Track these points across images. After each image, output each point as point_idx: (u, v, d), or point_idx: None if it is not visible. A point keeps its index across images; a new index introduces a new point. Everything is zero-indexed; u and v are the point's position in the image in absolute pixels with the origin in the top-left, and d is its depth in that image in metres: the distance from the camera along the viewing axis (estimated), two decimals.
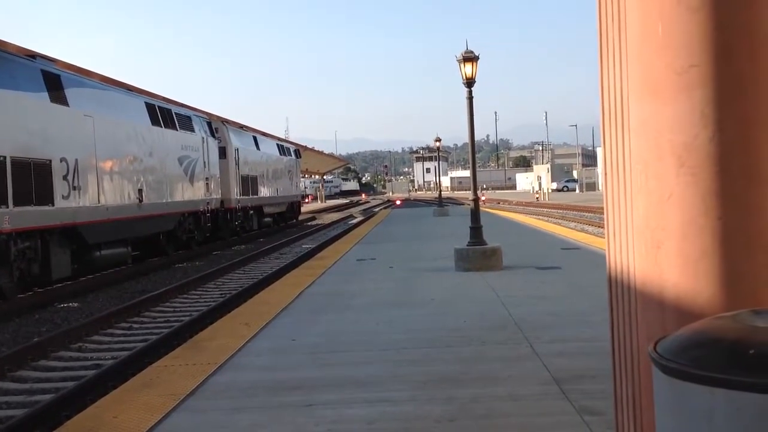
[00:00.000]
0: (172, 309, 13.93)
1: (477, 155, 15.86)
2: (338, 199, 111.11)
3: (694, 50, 2.20)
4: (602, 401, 4.77)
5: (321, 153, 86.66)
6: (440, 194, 49.48)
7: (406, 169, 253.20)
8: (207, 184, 27.13)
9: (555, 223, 31.22)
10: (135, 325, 12.35)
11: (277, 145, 42.69)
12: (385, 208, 62.69)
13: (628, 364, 2.57)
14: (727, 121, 2.19)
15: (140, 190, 20.81)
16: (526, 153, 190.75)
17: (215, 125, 30.04)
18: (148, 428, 4.90)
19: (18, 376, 9.01)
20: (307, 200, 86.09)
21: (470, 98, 13.92)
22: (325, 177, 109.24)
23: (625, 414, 2.61)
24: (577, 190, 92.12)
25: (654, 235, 2.30)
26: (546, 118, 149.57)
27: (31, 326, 12.47)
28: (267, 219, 37.00)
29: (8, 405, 7.85)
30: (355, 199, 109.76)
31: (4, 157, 14.12)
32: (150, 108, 22.44)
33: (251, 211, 33.69)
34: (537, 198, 66.52)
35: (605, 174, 2.70)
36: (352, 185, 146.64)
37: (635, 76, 2.37)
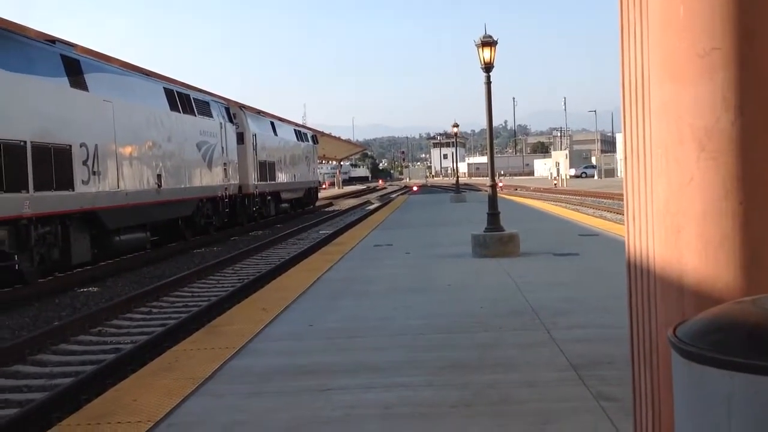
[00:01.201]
0: (190, 294, 14.02)
1: (495, 141, 15.83)
2: (352, 185, 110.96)
3: (716, 33, 2.18)
4: (619, 387, 4.75)
5: (338, 139, 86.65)
6: (457, 180, 49.41)
7: (424, 155, 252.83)
8: (225, 169, 27.21)
9: (573, 209, 31.10)
10: (154, 310, 12.44)
11: (295, 130, 42.73)
12: (402, 194, 62.67)
13: (646, 349, 2.55)
14: (749, 104, 2.17)
15: (159, 176, 20.90)
16: (544, 139, 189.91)
17: (233, 111, 30.08)
18: (166, 411, 4.93)
19: (38, 360, 9.11)
20: (324, 186, 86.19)
21: (488, 83, 13.86)
22: (342, 163, 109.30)
23: (643, 399, 2.59)
24: (596, 177, 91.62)
25: (674, 219, 2.28)
26: (564, 103, 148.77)
27: (51, 311, 12.59)
28: (284, 205, 37.10)
29: (29, 388, 7.94)
30: (372, 185, 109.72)
31: (25, 142, 14.22)
32: (169, 93, 22.51)
33: (269, 197, 33.78)
34: (555, 184, 66.26)
35: (625, 158, 2.68)
36: (362, 171, 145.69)
37: (656, 59, 2.35)
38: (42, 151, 14.79)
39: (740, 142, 2.17)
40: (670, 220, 2.30)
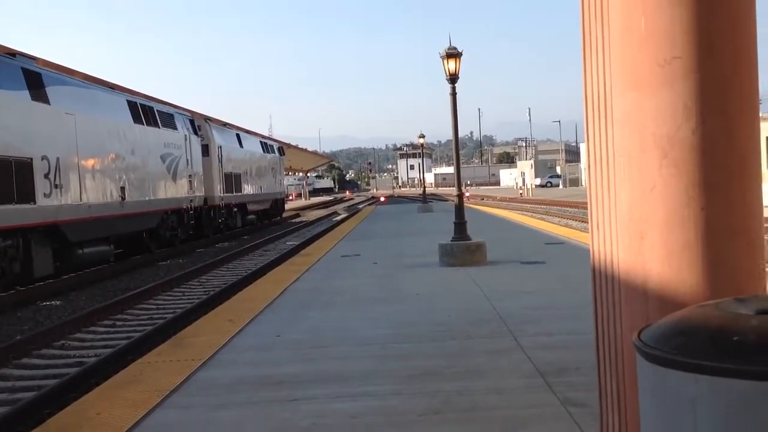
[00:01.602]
0: (155, 306, 13.88)
1: (461, 152, 15.91)
2: (317, 196, 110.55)
3: (677, 42, 2.22)
4: (587, 393, 4.79)
5: (305, 150, 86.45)
6: (424, 191, 49.51)
7: (390, 165, 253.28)
8: (190, 181, 27.02)
9: (539, 218, 31.34)
10: (118, 323, 12.29)
11: (261, 142, 42.58)
12: (369, 204, 62.67)
13: (611, 355, 2.58)
14: (710, 113, 2.21)
15: (123, 188, 20.70)
16: (509, 149, 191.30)
17: (198, 123, 29.92)
18: (131, 424, 4.88)
19: (0, 374, 8.94)
20: (291, 197, 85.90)
21: (453, 94, 13.95)
22: (308, 175, 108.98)
23: (609, 404, 2.62)
24: (561, 186, 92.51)
25: (637, 226, 2.32)
26: (529, 114, 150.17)
27: (13, 324, 12.39)
28: (251, 216, 36.92)
29: None
30: (338, 195, 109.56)
31: None
32: (132, 106, 22.32)
33: (235, 209, 33.60)
34: (521, 194, 66.76)
35: (589, 166, 2.72)
36: (326, 183, 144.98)
37: (618, 69, 2.39)
38: (2, 164, 14.57)
39: (701, 150, 2.21)
40: (634, 227, 2.34)
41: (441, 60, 13.82)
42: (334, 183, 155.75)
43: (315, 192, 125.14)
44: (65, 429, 4.87)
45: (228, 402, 5.31)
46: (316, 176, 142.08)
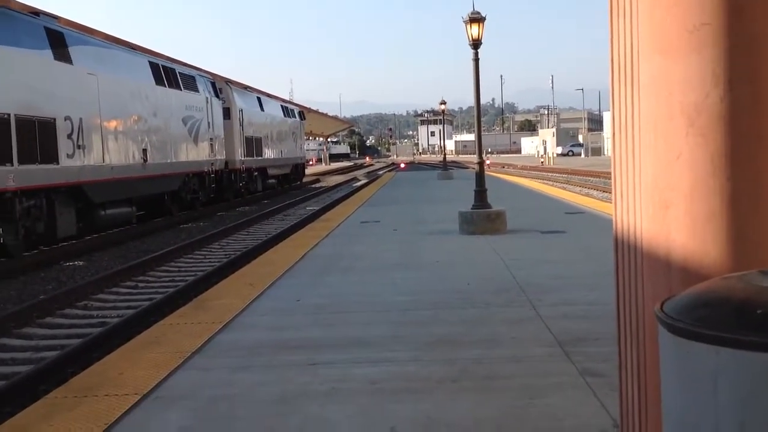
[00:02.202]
0: (176, 269, 13.99)
1: (482, 119, 15.79)
2: (335, 161, 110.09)
3: (706, 8, 2.17)
4: (605, 363, 4.79)
5: (325, 115, 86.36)
6: (445, 158, 49.39)
7: (411, 132, 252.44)
8: (211, 144, 27.08)
9: (560, 187, 31.18)
10: (140, 284, 12.41)
11: (282, 106, 42.54)
12: (389, 171, 62.61)
13: (633, 325, 2.57)
14: (738, 81, 2.16)
15: (144, 150, 20.79)
16: (531, 117, 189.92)
17: (219, 86, 29.89)
18: (153, 385, 4.94)
19: (24, 333, 9.08)
20: (311, 162, 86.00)
21: (476, 60, 13.81)
22: (328, 140, 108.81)
23: (629, 374, 2.61)
24: (583, 155, 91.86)
25: (662, 195, 2.29)
26: (552, 81, 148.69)
27: (37, 284, 12.55)
28: (271, 180, 37.00)
29: (14, 361, 7.92)
30: (358, 161, 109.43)
31: (8, 115, 14.09)
32: (154, 67, 22.33)
33: (255, 173, 33.68)
34: (542, 162, 66.38)
35: (613, 134, 2.68)
36: (343, 148, 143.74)
37: (646, 34, 2.34)
38: (26, 124, 14.66)
39: (729, 119, 2.17)
40: (658, 196, 2.31)
41: (464, 25, 13.67)
42: (354, 149, 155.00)
43: (331, 157, 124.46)
44: (88, 388, 4.94)
45: (248, 365, 5.36)
46: (333, 142, 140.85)
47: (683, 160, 2.22)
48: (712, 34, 2.17)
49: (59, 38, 16.60)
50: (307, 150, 67.45)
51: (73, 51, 17.06)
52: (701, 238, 2.20)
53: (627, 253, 2.60)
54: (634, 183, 2.51)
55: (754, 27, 2.16)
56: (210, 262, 14.66)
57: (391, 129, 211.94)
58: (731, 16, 2.15)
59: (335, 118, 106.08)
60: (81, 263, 14.84)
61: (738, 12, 2.15)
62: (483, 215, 12.90)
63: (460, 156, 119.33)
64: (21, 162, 14.34)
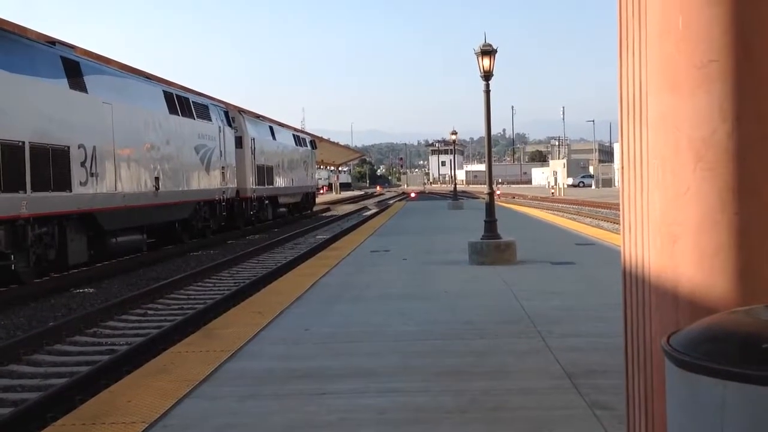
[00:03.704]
0: (186, 296, 14.01)
1: (493, 149, 15.84)
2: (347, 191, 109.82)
3: (714, 45, 2.20)
4: (614, 396, 4.76)
5: (336, 144, 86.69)
6: (455, 187, 49.41)
7: (422, 161, 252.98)
8: (223, 173, 27.22)
9: (570, 218, 31.14)
10: (149, 312, 12.43)
11: (293, 135, 42.78)
12: (400, 200, 62.68)
13: (640, 358, 2.57)
14: (746, 116, 2.19)
15: (157, 178, 20.91)
16: (542, 148, 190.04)
17: (232, 115, 30.11)
18: (161, 413, 4.94)
19: (33, 360, 9.10)
20: (322, 191, 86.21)
21: (487, 91, 13.89)
22: (340, 169, 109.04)
23: (636, 408, 2.61)
24: (593, 186, 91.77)
25: (670, 229, 2.30)
26: (563, 113, 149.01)
27: (47, 311, 12.58)
28: (282, 209, 37.11)
29: (23, 388, 7.93)
30: (369, 191, 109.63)
31: (23, 143, 14.22)
32: (167, 96, 22.53)
33: (266, 201, 33.80)
34: (552, 193, 66.32)
35: (622, 168, 2.70)
36: (344, 177, 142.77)
37: (654, 70, 2.37)
38: (40, 151, 14.79)
39: (736, 154, 2.19)
40: (666, 230, 2.32)
41: (476, 57, 13.77)
42: (364, 178, 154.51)
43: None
44: (96, 416, 4.94)
45: (256, 394, 5.36)
46: (332, 171, 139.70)
47: (691, 195, 2.24)
48: (719, 70, 2.19)
49: (75, 67, 16.80)
50: (318, 178, 67.66)
51: (89, 80, 17.25)
52: (709, 271, 2.21)
53: (635, 286, 2.60)
54: (643, 216, 2.53)
55: (762, 64, 2.19)
56: (219, 290, 14.68)
57: (402, 158, 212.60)
58: (739, 53, 2.18)
59: (346, 147, 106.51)
60: (91, 290, 14.89)
61: (746, 49, 2.18)
62: (493, 246, 12.90)
63: (471, 186, 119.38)
64: (34, 189, 14.45)
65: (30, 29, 17.40)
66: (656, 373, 2.41)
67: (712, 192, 2.21)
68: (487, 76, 13.73)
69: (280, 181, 36.25)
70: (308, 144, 45.95)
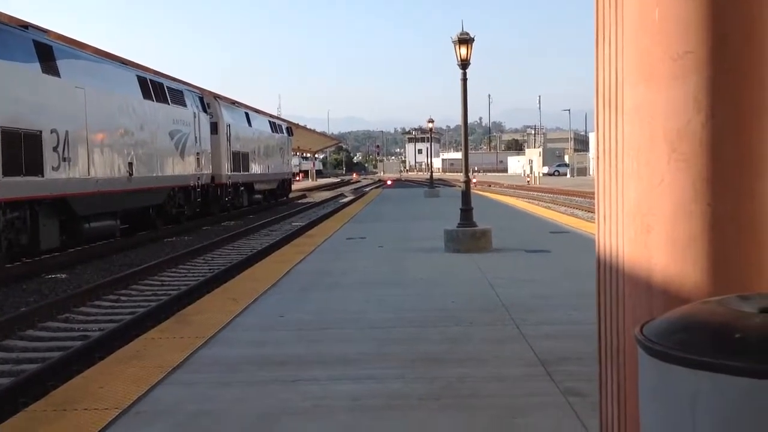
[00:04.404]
0: (160, 282, 13.93)
1: (469, 137, 15.85)
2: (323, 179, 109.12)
3: (690, 36, 2.21)
4: (587, 383, 4.80)
5: (313, 131, 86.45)
6: (431, 175, 49.48)
7: (398, 149, 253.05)
8: (198, 159, 27.05)
9: (545, 207, 31.30)
10: (123, 298, 12.35)
11: (269, 122, 42.57)
12: (376, 187, 62.67)
13: (613, 347, 2.59)
14: (720, 107, 2.20)
15: (130, 164, 20.73)
16: (518, 136, 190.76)
17: (207, 100, 29.90)
18: (133, 400, 4.91)
19: (4, 346, 9.01)
20: (298, 178, 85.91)
21: (464, 80, 13.90)
22: (316, 156, 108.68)
23: (609, 395, 2.63)
24: (568, 175, 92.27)
25: (644, 219, 2.31)
26: (539, 102, 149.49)
27: (18, 296, 12.46)
28: (257, 196, 36.97)
29: None
30: (346, 178, 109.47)
31: None
32: (142, 81, 22.32)
33: (242, 188, 33.64)
34: (528, 182, 66.63)
35: (597, 158, 2.71)
36: (317, 165, 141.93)
37: (630, 61, 2.38)
38: (12, 136, 14.60)
39: (710, 145, 2.20)
40: (641, 221, 2.33)
41: (453, 45, 13.77)
42: (341, 165, 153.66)
43: (302, 173, 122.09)
44: (68, 402, 4.90)
45: (230, 381, 5.34)
46: (303, 158, 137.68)
47: (665, 185, 2.25)
48: (695, 61, 2.20)
49: (48, 51, 16.58)
50: (294, 165, 67.34)
51: (61, 64, 17.04)
52: (682, 261, 2.23)
53: (609, 275, 2.62)
54: (617, 206, 2.54)
55: (738, 55, 2.20)
56: (194, 276, 14.60)
57: (378, 146, 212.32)
58: (714, 44, 2.19)
59: (323, 134, 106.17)
60: (63, 276, 14.75)
61: (721, 40, 2.19)
62: (468, 233, 12.94)
63: (447, 174, 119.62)
64: (5, 174, 14.28)
65: (2, 12, 17.13)
66: (629, 362, 2.43)
67: (686, 182, 2.22)
68: (464, 64, 13.73)
69: (255, 168, 36.09)
70: (284, 131, 45.75)
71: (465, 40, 13.66)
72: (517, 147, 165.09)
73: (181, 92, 26.20)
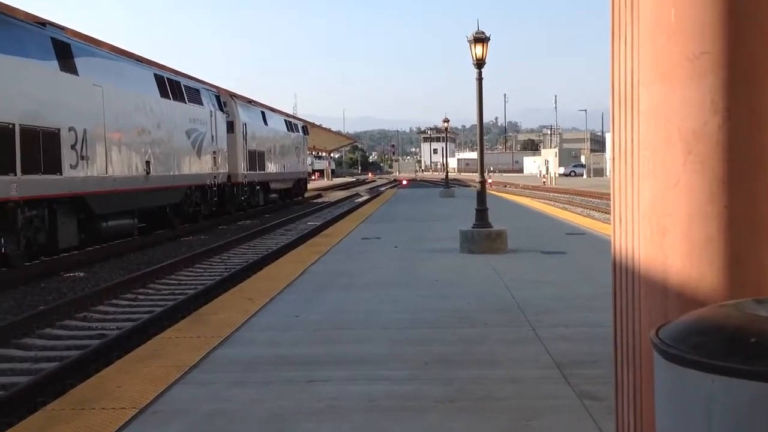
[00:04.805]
0: (176, 282, 13.99)
1: (485, 137, 15.83)
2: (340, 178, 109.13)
3: (707, 37, 2.20)
4: (603, 386, 4.78)
5: (328, 130, 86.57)
6: (447, 175, 49.43)
7: (414, 149, 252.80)
8: (214, 158, 27.14)
9: (561, 208, 31.20)
10: (140, 297, 12.41)
11: (285, 121, 42.66)
12: (391, 187, 62.67)
13: (629, 350, 2.58)
14: (737, 108, 2.19)
15: (148, 162, 20.83)
16: (534, 137, 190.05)
17: (224, 99, 29.99)
18: (151, 399, 4.94)
19: (23, 344, 9.08)
20: (313, 177, 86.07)
21: (480, 79, 13.87)
22: (331, 155, 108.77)
23: (624, 399, 2.62)
24: (585, 176, 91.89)
25: (660, 221, 2.30)
26: (555, 102, 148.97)
27: (37, 295, 12.55)
28: (273, 195, 37.05)
29: (13, 372, 7.91)
30: (362, 177, 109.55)
31: (13, 125, 14.14)
32: (159, 80, 22.42)
33: (258, 187, 33.73)
34: (544, 182, 66.40)
35: (613, 159, 2.70)
36: (323, 164, 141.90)
37: (647, 61, 2.37)
38: (30, 134, 14.70)
39: (726, 146, 2.19)
40: (656, 222, 2.32)
41: (468, 44, 13.74)
42: (356, 164, 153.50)
43: (313, 172, 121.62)
44: (86, 401, 4.94)
45: (246, 380, 5.36)
46: (316, 157, 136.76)
47: (681, 186, 2.24)
48: (711, 62, 2.19)
49: (65, 49, 16.68)
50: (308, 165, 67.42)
51: (79, 62, 17.15)
52: (698, 263, 2.21)
53: (625, 277, 2.61)
54: (633, 208, 2.53)
55: (754, 56, 2.19)
56: (210, 275, 14.66)
57: (393, 145, 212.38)
58: (731, 45, 2.18)
59: (338, 133, 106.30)
60: (82, 274, 14.85)
61: (738, 41, 2.18)
62: (484, 234, 12.91)
63: (463, 174, 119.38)
64: (24, 172, 14.38)
65: (19, 9, 17.25)
66: (645, 365, 2.42)
67: (702, 184, 2.21)
68: (479, 64, 13.70)
69: (271, 167, 36.17)
70: (300, 130, 45.84)
71: (480, 39, 13.63)
72: (533, 147, 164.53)
73: (198, 91, 26.31)
